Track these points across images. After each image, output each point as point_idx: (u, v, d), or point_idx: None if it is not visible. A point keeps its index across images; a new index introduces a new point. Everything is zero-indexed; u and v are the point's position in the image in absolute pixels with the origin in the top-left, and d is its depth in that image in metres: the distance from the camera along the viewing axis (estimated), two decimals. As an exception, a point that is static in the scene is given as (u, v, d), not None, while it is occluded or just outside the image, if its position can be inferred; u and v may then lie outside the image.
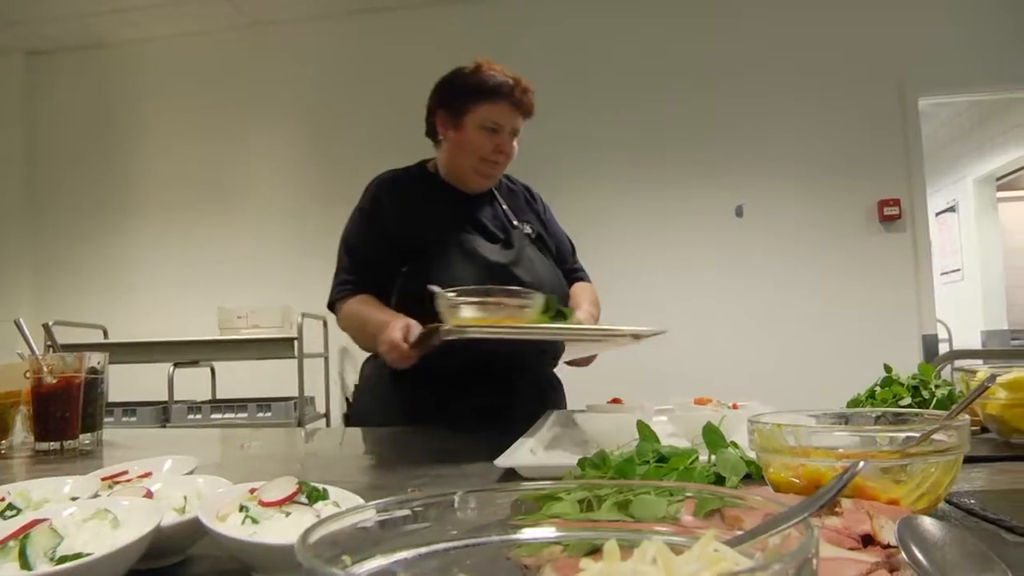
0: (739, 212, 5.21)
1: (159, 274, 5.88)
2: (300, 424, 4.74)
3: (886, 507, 0.68)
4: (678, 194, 5.17)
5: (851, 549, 0.60)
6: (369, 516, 0.43)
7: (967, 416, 0.80)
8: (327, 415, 5.35)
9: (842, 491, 0.45)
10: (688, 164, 5.31)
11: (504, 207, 2.18)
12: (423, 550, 0.43)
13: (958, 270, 8.66)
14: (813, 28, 5.41)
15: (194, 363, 5.24)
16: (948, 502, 0.84)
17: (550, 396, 2.14)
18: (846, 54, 5.36)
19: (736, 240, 5.17)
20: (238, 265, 5.72)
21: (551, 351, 2.08)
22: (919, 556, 0.56)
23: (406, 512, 0.45)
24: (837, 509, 0.66)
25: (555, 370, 2.24)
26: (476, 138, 2.02)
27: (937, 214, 8.79)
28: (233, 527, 0.68)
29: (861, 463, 0.48)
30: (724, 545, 0.34)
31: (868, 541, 0.62)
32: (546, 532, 0.44)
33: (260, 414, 4.80)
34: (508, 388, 2.00)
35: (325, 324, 5.33)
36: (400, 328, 1.67)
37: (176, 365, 5.11)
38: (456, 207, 2.08)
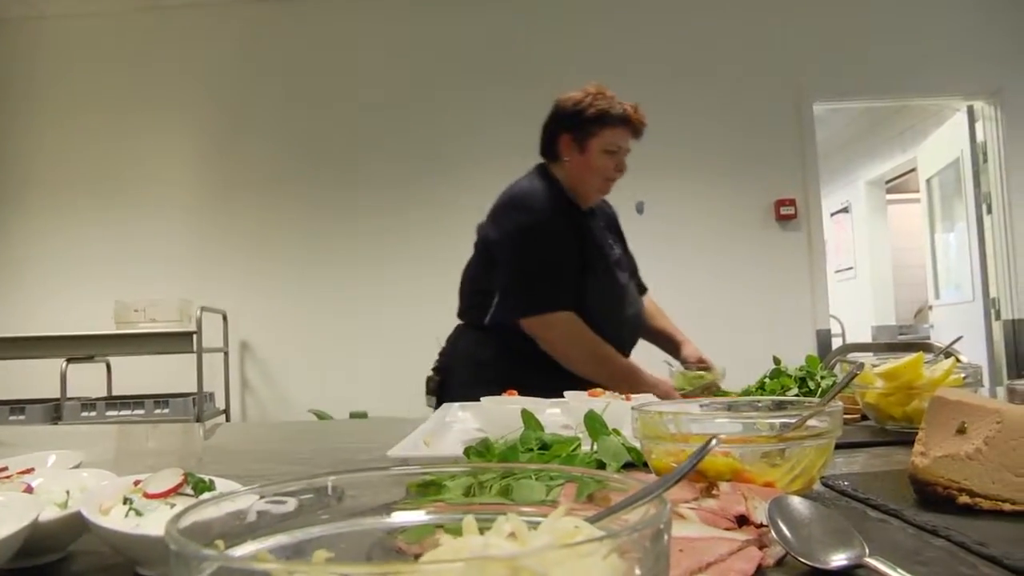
0: (639, 209, 5.32)
1: (51, 265, 5.61)
2: (199, 420, 4.62)
3: (762, 489, 0.71)
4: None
5: (726, 529, 0.63)
6: (245, 501, 0.43)
7: (839, 403, 0.84)
8: (227, 411, 5.23)
9: (696, 465, 0.47)
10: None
11: (602, 224, 2.45)
12: (299, 535, 0.42)
13: (851, 268, 9.05)
14: (713, 33, 5.57)
15: (89, 358, 5.04)
16: (824, 484, 0.88)
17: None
18: (746, 59, 5.53)
19: (636, 237, 5.25)
20: (136, 257, 5.52)
21: None
22: (786, 532, 0.59)
23: (284, 497, 0.44)
24: (715, 492, 0.69)
25: None
26: (601, 161, 2.26)
27: (832, 214, 9.17)
28: (116, 520, 0.66)
29: (713, 440, 0.51)
30: (582, 521, 0.35)
31: (743, 521, 0.65)
32: (422, 516, 0.44)
33: (158, 410, 4.65)
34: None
35: (225, 318, 5.21)
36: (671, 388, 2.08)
37: (69, 360, 4.89)
38: (589, 226, 2.33)
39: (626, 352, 2.27)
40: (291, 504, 0.46)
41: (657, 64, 5.53)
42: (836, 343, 6.33)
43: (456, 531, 0.42)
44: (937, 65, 5.55)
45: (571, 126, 2.29)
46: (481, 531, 0.35)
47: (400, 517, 0.44)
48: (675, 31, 5.57)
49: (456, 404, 1.56)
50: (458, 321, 2.44)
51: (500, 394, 2.03)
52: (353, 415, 4.49)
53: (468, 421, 1.29)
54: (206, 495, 0.69)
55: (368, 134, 5.51)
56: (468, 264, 2.44)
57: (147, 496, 0.68)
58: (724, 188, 5.42)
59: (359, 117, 5.53)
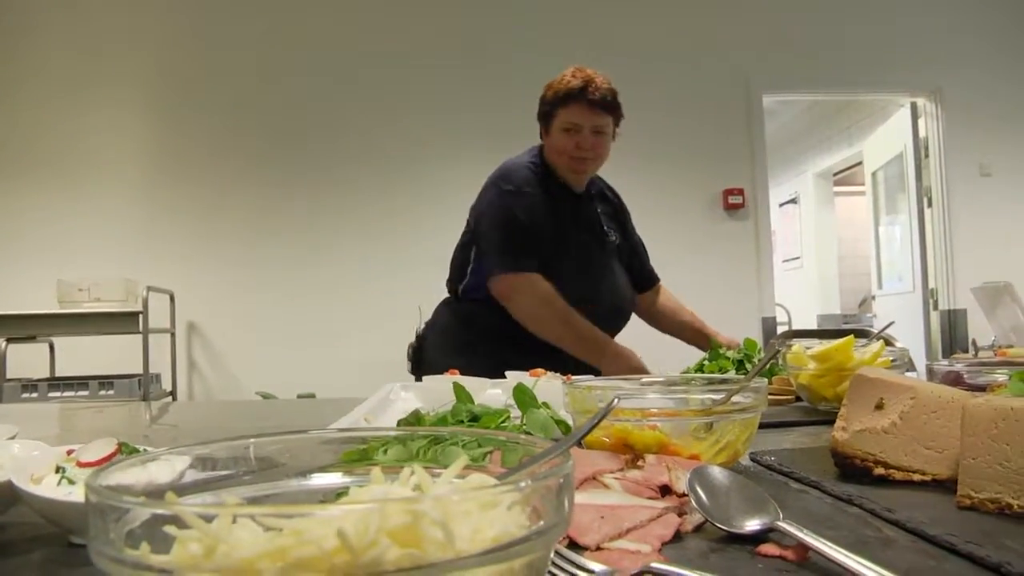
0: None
1: (-9, 242, 5.46)
2: (145, 400, 4.55)
3: (685, 461, 0.73)
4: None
5: (649, 498, 0.65)
6: (167, 463, 0.44)
7: (764, 380, 0.87)
8: (173, 392, 5.15)
9: (597, 424, 0.49)
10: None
11: (599, 209, 2.46)
12: (223, 496, 0.43)
13: (798, 258, 9.22)
14: (665, 24, 5.62)
15: (31, 338, 4.92)
16: (752, 459, 0.92)
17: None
18: (697, 50, 5.60)
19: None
20: (80, 235, 5.38)
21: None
22: (705, 500, 0.62)
23: (206, 459, 0.45)
24: (640, 463, 0.71)
25: None
26: (560, 140, 2.27)
27: (780, 205, 9.32)
28: (48, 488, 0.66)
29: (615, 399, 0.53)
30: (488, 476, 0.37)
31: (667, 491, 0.68)
32: (341, 478, 0.45)
33: (103, 392, 4.56)
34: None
35: (172, 298, 5.13)
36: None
37: (9, 340, 4.77)
38: (573, 206, 2.35)
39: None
40: (212, 465, 0.47)
41: (608, 54, 5.54)
42: (781, 331, 6.45)
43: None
44: (883, 62, 5.68)
45: (540, 111, 2.35)
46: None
47: (321, 479, 0.45)
48: (627, 22, 5.60)
49: (398, 384, 1.57)
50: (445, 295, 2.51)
51: (473, 365, 2.07)
52: (301, 396, 4.46)
53: (410, 400, 1.30)
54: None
55: (317, 110, 5.45)
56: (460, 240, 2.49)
57: (80, 465, 0.68)
58: (673, 176, 5.49)
59: (308, 93, 5.47)
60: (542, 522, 0.34)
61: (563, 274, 2.20)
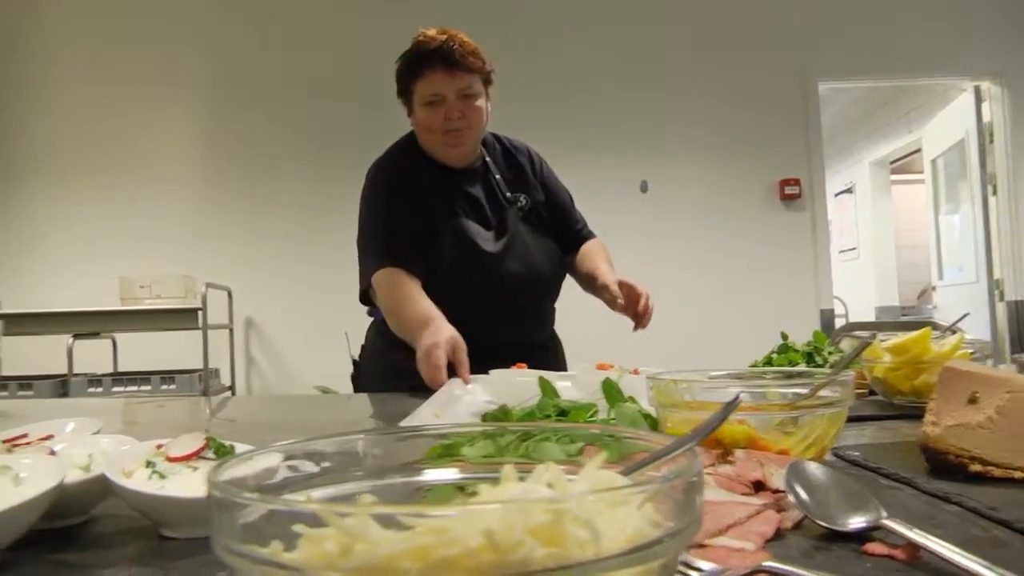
0: (644, 188, 5.32)
1: (56, 241, 5.61)
2: (205, 396, 4.64)
3: (776, 456, 0.72)
4: (585, 168, 5.22)
5: (743, 494, 0.64)
6: (275, 459, 0.44)
7: (851, 372, 0.85)
8: (232, 387, 5.25)
9: (722, 422, 0.47)
10: (595, 141, 5.37)
11: (497, 178, 2.13)
12: (331, 491, 0.43)
13: (855, 248, 9.04)
14: (719, 13, 5.54)
15: (95, 334, 5.05)
16: (835, 454, 0.89)
17: (540, 357, 2.01)
18: (751, 39, 5.51)
19: (641, 216, 5.28)
20: (140, 233, 5.51)
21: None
22: (804, 496, 0.60)
23: (313, 455, 0.45)
24: (730, 459, 0.70)
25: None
26: (424, 116, 1.97)
27: (836, 194, 9.14)
28: (140, 482, 0.67)
29: (739, 393, 0.51)
30: (615, 474, 0.36)
31: (760, 487, 0.66)
32: (450, 473, 0.45)
33: (164, 386, 4.67)
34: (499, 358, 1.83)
35: (230, 295, 5.22)
36: (445, 348, 1.65)
37: (75, 337, 4.90)
38: (448, 185, 2.04)
39: (496, 313, 1.99)
40: (318, 460, 0.47)
41: (662, 45, 5.51)
42: (839, 323, 6.33)
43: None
44: (943, 45, 5.52)
45: (399, 89, 2.05)
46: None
47: (431, 474, 0.45)
48: (679, 11, 5.54)
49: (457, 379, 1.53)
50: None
51: (389, 381, 1.91)
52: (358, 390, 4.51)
53: (478, 393, 1.29)
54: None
55: (372, 110, 5.49)
56: None
57: (170, 459, 0.69)
58: (729, 168, 5.42)
59: (363, 93, 5.50)
60: (672, 522, 0.32)
61: (444, 257, 1.95)
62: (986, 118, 5.72)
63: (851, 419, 1.24)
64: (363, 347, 2.25)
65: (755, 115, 5.46)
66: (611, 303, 2.03)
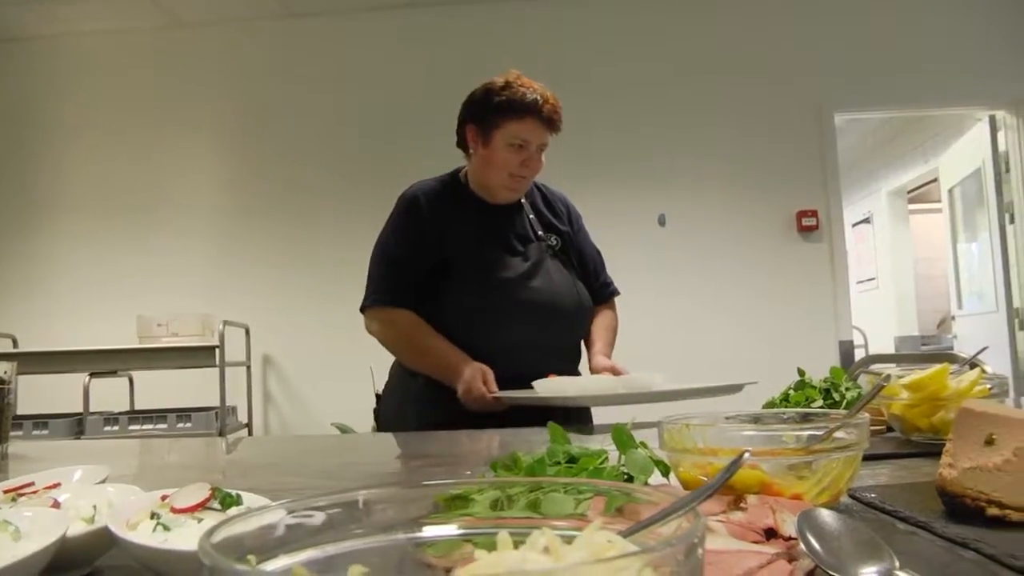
0: (662, 221, 5.32)
1: (74, 280, 5.67)
2: (222, 434, 4.64)
3: (789, 502, 0.70)
4: (602, 201, 5.24)
5: (754, 542, 0.63)
6: (275, 516, 0.43)
7: (866, 414, 0.84)
8: (249, 424, 5.25)
9: (728, 479, 0.46)
10: (612, 174, 5.39)
11: (531, 217, 2.24)
12: (330, 549, 0.43)
13: (873, 279, 8.98)
14: (735, 44, 5.57)
15: (112, 373, 5.08)
16: (851, 496, 0.88)
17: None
18: (767, 69, 5.53)
19: (658, 248, 5.28)
20: (157, 271, 5.57)
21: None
22: (816, 545, 0.58)
23: (313, 512, 0.45)
24: (742, 505, 0.69)
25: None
26: (504, 155, 2.07)
27: (853, 225, 9.11)
28: (144, 535, 0.66)
29: (746, 453, 0.50)
30: (615, 535, 0.35)
31: (772, 534, 0.65)
32: (451, 530, 0.44)
33: (180, 424, 4.68)
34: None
35: (247, 332, 5.24)
36: (480, 379, 1.88)
37: (92, 375, 4.94)
38: (484, 220, 2.15)
39: (519, 340, 2.07)
40: (320, 518, 0.46)
41: (678, 75, 5.54)
42: (859, 354, 6.27)
43: (487, 545, 0.42)
44: (958, 75, 5.52)
45: (476, 116, 2.13)
46: (515, 545, 0.35)
47: (430, 531, 0.44)
48: (695, 42, 5.58)
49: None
50: None
51: (427, 411, 2.03)
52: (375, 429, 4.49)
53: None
54: (234, 510, 0.69)
55: (389, 151, 5.54)
56: None
57: (174, 511, 0.68)
58: (746, 199, 5.41)
59: (381, 134, 5.56)
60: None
61: (467, 289, 2.05)
62: (1002, 147, 5.70)
63: (869, 457, 1.22)
64: (388, 380, 2.34)
65: (771, 147, 5.47)
66: None
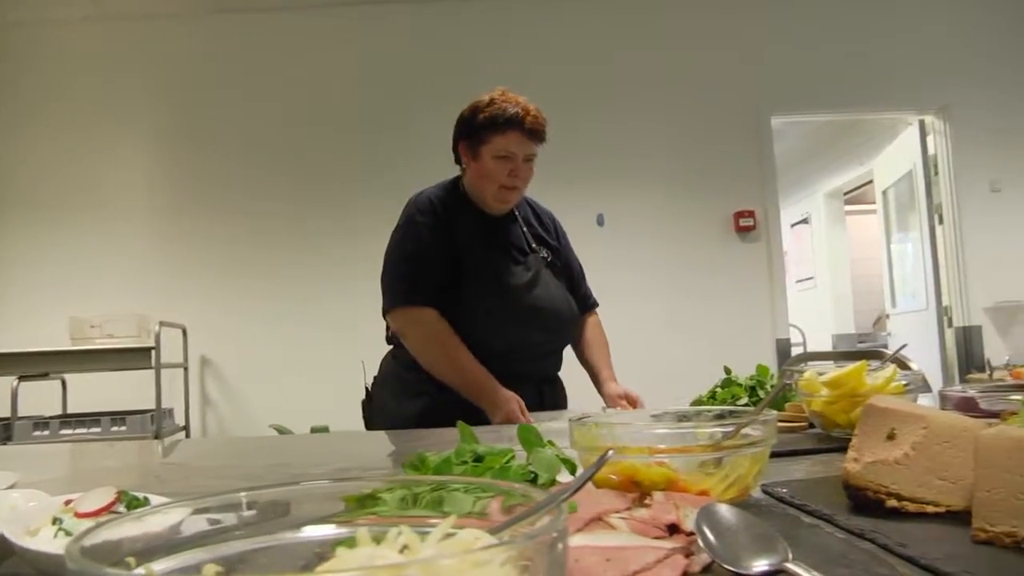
0: (600, 221, 5.37)
1: (3, 279, 5.49)
2: (158, 437, 4.55)
3: (694, 498, 0.72)
4: (541, 201, 5.24)
5: (656, 538, 0.64)
6: (159, 519, 0.43)
7: (773, 412, 0.86)
8: (187, 427, 5.16)
9: (592, 477, 0.47)
10: (551, 175, 5.40)
11: (525, 230, 2.39)
12: (220, 551, 0.42)
13: (812, 278, 9.18)
14: (674, 48, 5.65)
15: (43, 375, 4.94)
16: (764, 491, 0.90)
17: (548, 393, 2.34)
18: (706, 74, 5.62)
19: (597, 248, 5.31)
20: (91, 271, 5.42)
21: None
22: (712, 540, 0.60)
23: (199, 514, 0.44)
24: (647, 501, 0.70)
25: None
26: (492, 167, 2.20)
27: (792, 225, 9.30)
28: (44, 541, 0.65)
29: (610, 452, 0.52)
30: (483, 532, 0.36)
31: (675, 530, 0.66)
32: (332, 530, 0.44)
33: (115, 428, 4.56)
34: (513, 388, 2.13)
35: (184, 333, 5.15)
36: (518, 410, 2.02)
37: (21, 378, 4.78)
38: (486, 229, 2.28)
39: (520, 344, 2.22)
40: (215, 520, 0.46)
41: (617, 77, 5.59)
42: (798, 351, 6.41)
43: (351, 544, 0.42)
44: (889, 81, 5.69)
45: (465, 133, 2.27)
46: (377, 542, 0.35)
47: (312, 531, 0.44)
48: (635, 44, 5.64)
49: None
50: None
51: (433, 406, 2.12)
52: (314, 430, 4.45)
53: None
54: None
55: (327, 147, 5.49)
56: None
57: (78, 516, 0.67)
58: (684, 199, 5.49)
59: (318, 133, 5.51)
60: None
61: (478, 287, 2.17)
62: (931, 151, 5.88)
63: (789, 453, 1.25)
64: (377, 377, 2.42)
65: (710, 149, 5.56)
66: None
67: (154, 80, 5.64)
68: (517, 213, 2.40)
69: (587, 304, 2.56)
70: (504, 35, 5.64)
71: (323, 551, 0.43)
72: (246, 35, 5.64)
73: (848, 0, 5.80)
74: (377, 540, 0.35)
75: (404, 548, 0.34)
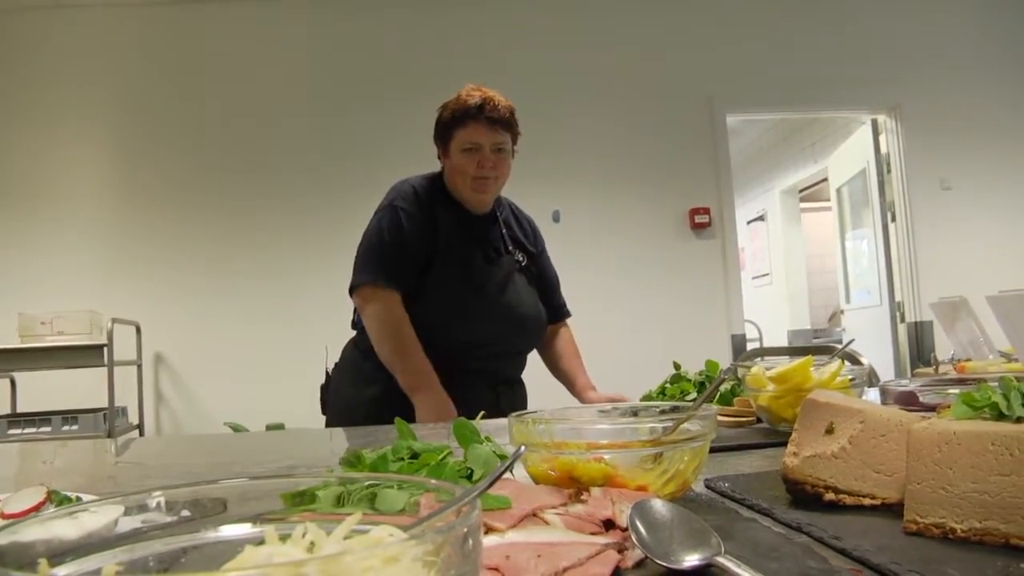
0: (556, 217, 5.38)
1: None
2: (111, 436, 4.47)
3: (631, 493, 0.72)
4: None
5: (592, 534, 0.64)
6: (80, 519, 0.43)
7: (713, 407, 0.87)
8: (141, 425, 5.07)
9: (503, 475, 0.48)
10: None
11: (504, 232, 2.39)
12: (138, 551, 0.42)
13: (768, 274, 9.30)
14: (628, 45, 5.68)
15: (-9, 374, 4.84)
16: (706, 486, 0.91)
17: (505, 395, 2.32)
18: (660, 71, 5.67)
19: (552, 245, 5.32)
20: (41, 267, 5.30)
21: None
22: (644, 535, 0.61)
23: (158, 507, 0.44)
24: (584, 497, 0.70)
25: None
26: (460, 161, 2.23)
27: (748, 222, 9.41)
28: (-31, 543, 0.64)
29: (522, 448, 0.52)
30: (396, 528, 0.36)
31: (611, 525, 0.67)
32: (247, 529, 0.44)
33: (66, 427, 4.48)
34: (466, 383, 2.18)
35: (138, 330, 5.06)
36: (448, 417, 1.98)
37: (-31, 377, 4.69)
38: (464, 225, 2.29)
39: (483, 343, 2.23)
40: (140, 518, 0.45)
41: (571, 72, 5.60)
42: (754, 347, 6.49)
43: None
44: (843, 80, 5.78)
45: (438, 133, 2.31)
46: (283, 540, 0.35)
47: (234, 530, 0.44)
48: (589, 39, 5.66)
49: None
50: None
51: (385, 393, 2.12)
52: (270, 427, 4.41)
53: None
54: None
55: (278, 142, 5.44)
56: None
57: (5, 516, 0.66)
58: (639, 196, 5.53)
59: (269, 126, 5.45)
60: (452, 571, 0.33)
61: (447, 287, 2.18)
62: (883, 149, 5.99)
63: (735, 447, 1.27)
64: (338, 362, 2.44)
65: (665, 146, 5.60)
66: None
67: (107, 72, 5.52)
68: (498, 215, 2.41)
69: (559, 314, 2.57)
70: (451, 30, 5.61)
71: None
72: (201, 27, 5.55)
73: (803, 0, 5.88)
74: (283, 539, 0.35)
75: (312, 546, 0.34)
